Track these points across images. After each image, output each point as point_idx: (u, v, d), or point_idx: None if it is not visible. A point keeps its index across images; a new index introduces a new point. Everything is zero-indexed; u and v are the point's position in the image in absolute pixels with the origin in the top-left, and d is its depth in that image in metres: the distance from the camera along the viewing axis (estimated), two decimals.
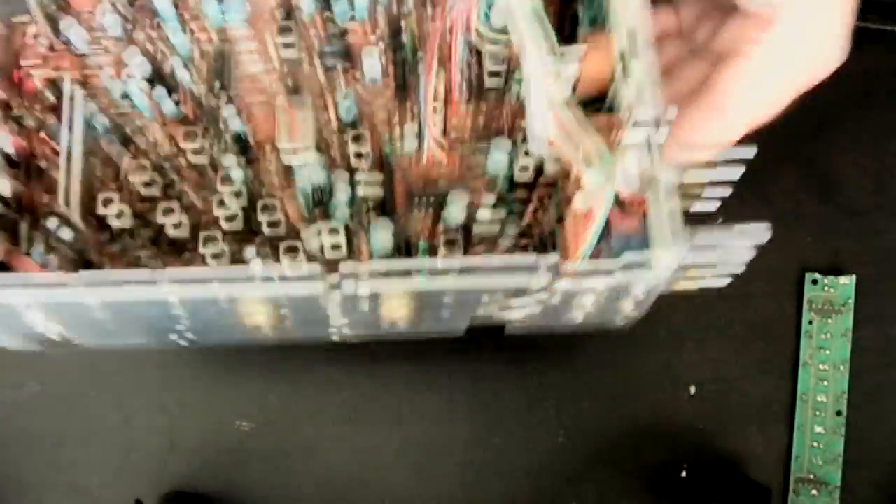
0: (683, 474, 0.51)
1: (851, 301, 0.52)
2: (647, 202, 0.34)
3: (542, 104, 0.34)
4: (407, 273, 0.34)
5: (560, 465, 0.52)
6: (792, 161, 0.54)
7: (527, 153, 0.39)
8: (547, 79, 0.34)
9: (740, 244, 0.34)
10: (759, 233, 0.34)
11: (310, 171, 0.39)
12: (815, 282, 0.52)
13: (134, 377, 0.52)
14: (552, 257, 0.34)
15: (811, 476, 0.52)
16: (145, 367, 0.52)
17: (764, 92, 0.38)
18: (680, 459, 0.51)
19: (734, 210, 0.37)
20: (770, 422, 0.52)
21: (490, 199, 0.39)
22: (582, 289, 0.35)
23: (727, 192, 0.37)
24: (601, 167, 0.34)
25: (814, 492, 0.52)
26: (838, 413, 0.52)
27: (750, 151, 0.36)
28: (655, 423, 0.52)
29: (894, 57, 0.51)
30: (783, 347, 0.52)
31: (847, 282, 0.52)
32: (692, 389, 0.52)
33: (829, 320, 0.52)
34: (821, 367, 0.52)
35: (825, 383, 0.52)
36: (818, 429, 0.52)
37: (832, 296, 0.52)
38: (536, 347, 0.52)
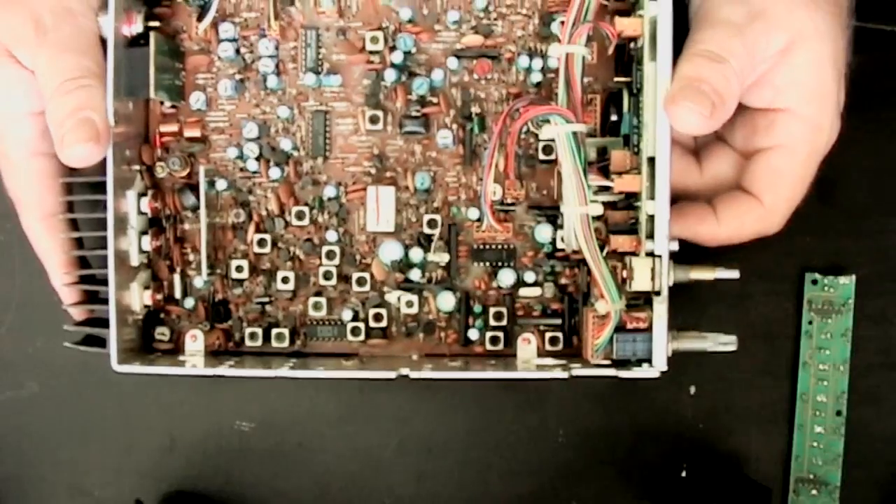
0: (683, 474, 0.51)
1: (851, 301, 0.52)
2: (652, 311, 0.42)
3: (574, 212, 0.42)
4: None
5: (560, 465, 0.52)
6: None
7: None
8: (579, 195, 0.41)
9: (714, 349, 0.44)
10: (728, 343, 0.44)
11: (389, 248, 0.47)
12: (815, 282, 0.52)
13: (134, 377, 0.52)
14: (570, 368, 0.43)
15: (811, 476, 0.52)
16: None
17: (794, 182, 0.44)
18: (680, 459, 0.51)
19: None
20: (770, 422, 0.52)
21: (532, 276, 0.47)
22: (593, 374, 0.44)
23: (735, 274, 0.44)
24: (610, 303, 0.42)
25: (814, 492, 0.52)
26: (838, 413, 0.52)
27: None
28: (655, 423, 0.52)
29: (894, 57, 0.51)
30: (783, 347, 0.52)
31: (847, 282, 0.52)
32: (692, 389, 0.52)
33: (829, 320, 0.52)
34: (821, 367, 0.52)
35: (825, 383, 0.52)
36: (818, 429, 0.52)
37: (832, 296, 0.52)
38: None
